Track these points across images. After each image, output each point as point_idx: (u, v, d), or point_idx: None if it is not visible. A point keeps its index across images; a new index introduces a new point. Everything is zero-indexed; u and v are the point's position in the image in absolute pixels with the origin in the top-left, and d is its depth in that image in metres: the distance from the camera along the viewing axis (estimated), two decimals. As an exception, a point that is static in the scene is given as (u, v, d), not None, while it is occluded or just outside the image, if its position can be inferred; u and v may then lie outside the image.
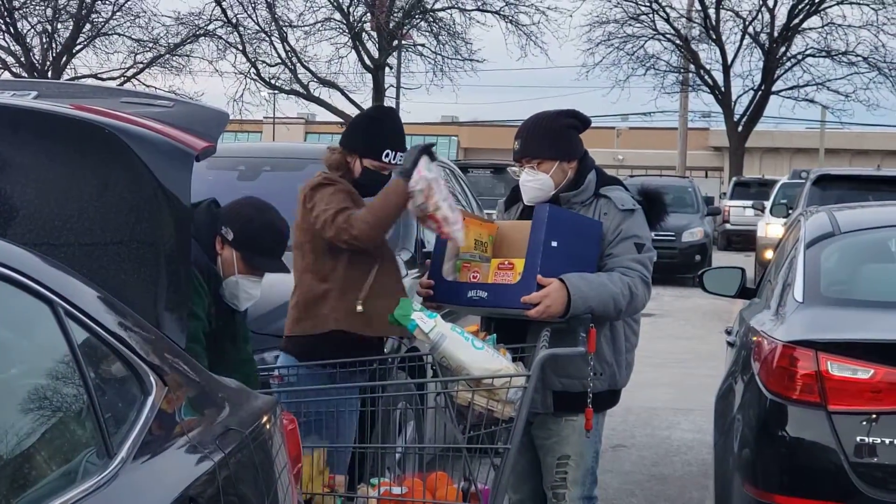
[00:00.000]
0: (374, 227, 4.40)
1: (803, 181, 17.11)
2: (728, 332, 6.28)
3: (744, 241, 28.10)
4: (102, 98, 3.39)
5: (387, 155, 4.59)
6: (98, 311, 2.58)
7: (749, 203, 27.15)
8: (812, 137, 51.10)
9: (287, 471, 3.20)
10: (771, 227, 19.47)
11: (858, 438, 4.12)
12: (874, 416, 4.13)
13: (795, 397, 4.24)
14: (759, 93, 37.08)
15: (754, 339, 4.74)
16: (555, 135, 4.42)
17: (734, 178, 33.62)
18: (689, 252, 20.54)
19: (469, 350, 3.95)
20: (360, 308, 4.48)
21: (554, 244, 4.15)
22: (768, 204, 21.55)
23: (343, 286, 4.50)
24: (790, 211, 17.08)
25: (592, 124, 4.64)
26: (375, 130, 4.66)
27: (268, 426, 3.12)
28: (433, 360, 4.05)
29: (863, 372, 4.14)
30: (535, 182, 4.40)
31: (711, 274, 6.64)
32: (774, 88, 37.35)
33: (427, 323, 3.95)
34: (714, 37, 37.31)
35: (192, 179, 3.22)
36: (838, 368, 4.17)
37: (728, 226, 30.50)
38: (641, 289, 4.30)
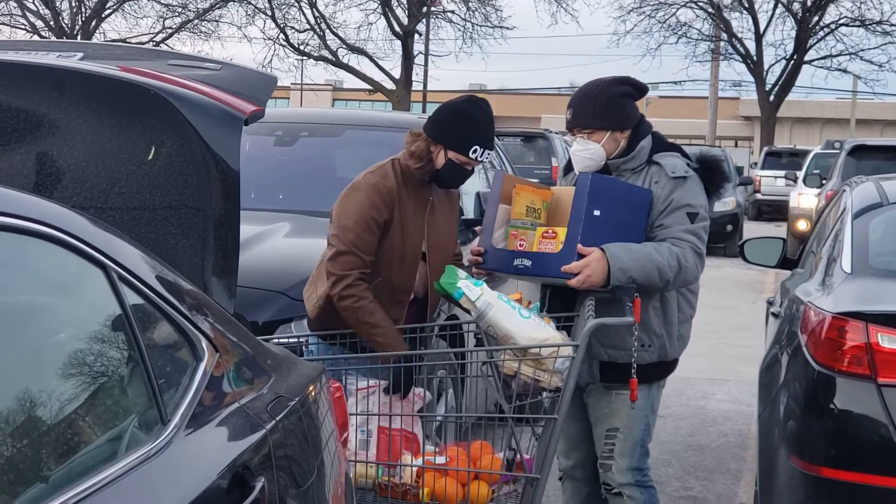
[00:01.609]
0: (354, 322, 4.26)
1: (837, 151, 16.98)
2: (770, 303, 6.21)
3: (774, 211, 27.95)
4: (149, 60, 3.33)
5: (475, 151, 4.37)
6: (149, 276, 2.54)
7: (781, 173, 26.96)
8: (843, 108, 50.68)
9: (334, 438, 3.16)
10: (804, 198, 19.31)
11: (908, 411, 4.05)
12: (924, 389, 4.05)
13: (844, 369, 4.17)
14: (792, 62, 36.82)
15: (801, 309, 4.67)
16: (606, 103, 4.35)
17: (765, 148, 33.41)
18: (721, 222, 20.35)
19: (516, 319, 3.90)
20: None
21: (597, 213, 4.10)
22: (800, 174, 21.39)
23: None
24: (823, 181, 16.95)
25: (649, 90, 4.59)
26: (466, 124, 4.42)
27: (315, 393, 3.08)
28: (478, 329, 4.01)
29: (913, 344, 4.07)
30: (587, 152, 4.35)
31: (752, 244, 6.55)
32: (807, 58, 37.10)
33: (474, 291, 3.90)
34: (746, 5, 37.05)
35: None
36: (888, 340, 4.10)
37: (759, 196, 30.30)
38: (693, 260, 4.22)
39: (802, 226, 18.32)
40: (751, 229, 22.88)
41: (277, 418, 2.71)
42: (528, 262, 4.21)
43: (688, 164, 4.38)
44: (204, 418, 2.49)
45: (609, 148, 4.35)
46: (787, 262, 6.31)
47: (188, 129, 3.01)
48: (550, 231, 4.22)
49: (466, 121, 4.43)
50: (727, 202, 20.51)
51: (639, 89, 4.45)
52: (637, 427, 4.39)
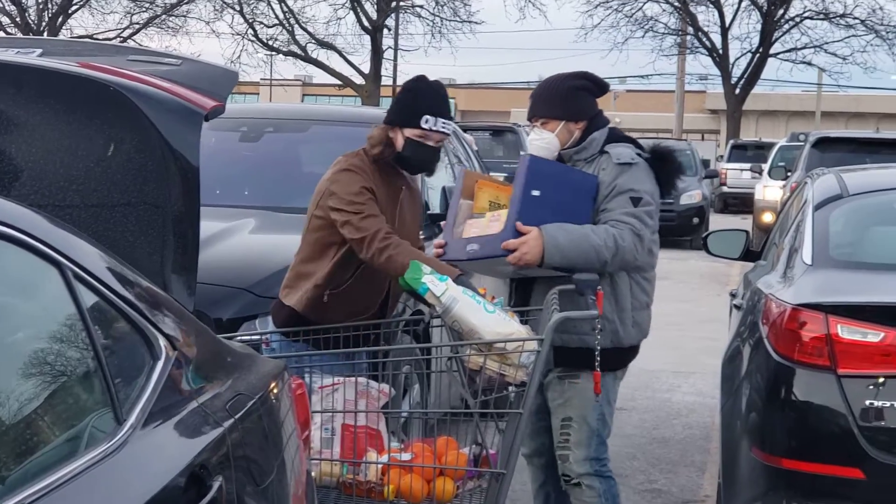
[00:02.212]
0: (402, 267, 4.15)
1: (802, 144, 17.06)
2: (733, 295, 6.24)
3: (740, 203, 28.06)
4: (109, 56, 3.31)
5: (426, 121, 4.38)
6: (106, 275, 2.52)
7: (747, 166, 27.09)
8: (808, 100, 50.95)
9: (296, 436, 3.16)
10: (769, 190, 19.39)
11: (867, 402, 4.08)
12: (883, 379, 4.09)
13: (804, 360, 4.20)
14: (757, 55, 37.03)
15: (762, 301, 4.70)
16: (561, 95, 4.55)
17: (731, 141, 33.59)
18: (687, 215, 20.51)
19: (481, 313, 3.90)
20: (325, 299, 4.38)
21: (535, 193, 4.26)
22: (766, 167, 21.49)
23: (324, 276, 4.40)
24: (788, 174, 17.03)
25: (610, 88, 4.74)
26: (413, 98, 4.48)
27: (276, 391, 3.08)
28: (444, 324, 4.01)
29: (873, 335, 4.11)
30: (541, 141, 4.53)
31: (715, 236, 6.59)
32: (772, 51, 37.31)
33: (438, 286, 3.90)
34: (712, -2, 37.15)
35: None
36: (848, 331, 4.13)
37: (725, 188, 30.47)
38: (630, 240, 4.31)
39: (768, 218, 18.37)
40: (717, 222, 22.99)
41: (236, 417, 2.70)
42: (476, 246, 4.35)
43: (638, 154, 4.48)
44: (161, 417, 2.48)
45: (563, 138, 4.52)
46: (750, 255, 6.34)
47: (147, 126, 2.99)
48: (497, 214, 4.36)
49: (413, 95, 4.51)
50: (693, 195, 20.61)
51: (598, 85, 4.64)
52: (591, 416, 4.45)
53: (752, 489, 4.41)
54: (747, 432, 4.50)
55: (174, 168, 3.02)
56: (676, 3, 37.08)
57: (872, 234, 5.05)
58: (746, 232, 6.50)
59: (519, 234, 4.21)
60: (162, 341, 2.60)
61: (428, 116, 4.39)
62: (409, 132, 4.41)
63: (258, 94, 52.76)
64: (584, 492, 4.44)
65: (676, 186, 4.63)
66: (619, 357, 4.50)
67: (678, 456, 6.95)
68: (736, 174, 29.57)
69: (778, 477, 4.26)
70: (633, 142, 4.61)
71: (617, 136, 4.57)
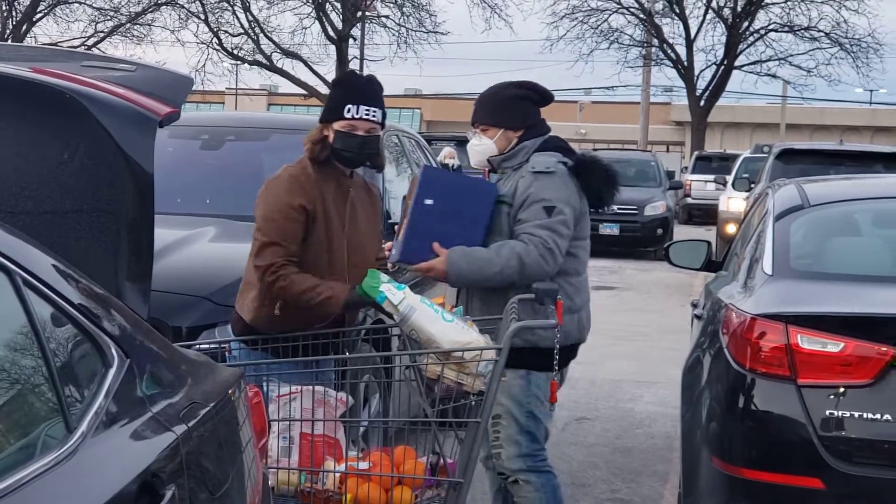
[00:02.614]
0: (295, 299, 4.24)
1: (766, 155, 17.15)
2: (694, 305, 6.25)
3: (705, 214, 28.18)
4: (63, 61, 3.27)
5: (349, 110, 4.37)
6: (57, 281, 2.49)
7: (711, 177, 27.19)
8: (773, 112, 51.26)
9: (252, 444, 3.13)
10: (733, 202, 19.41)
11: (827, 412, 4.09)
12: (843, 389, 4.10)
13: (764, 370, 4.20)
14: (722, 67, 37.20)
15: (723, 311, 4.70)
16: (501, 103, 4.66)
17: (696, 153, 33.71)
18: (651, 226, 20.56)
19: (439, 322, 3.89)
20: (277, 312, 4.32)
21: (428, 202, 4.43)
22: (730, 178, 21.57)
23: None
24: (752, 185, 17.10)
25: (555, 98, 4.83)
26: (337, 91, 4.57)
27: (232, 399, 3.05)
28: (402, 332, 3.99)
29: (832, 345, 4.11)
30: (480, 146, 4.66)
31: (677, 247, 6.59)
32: (737, 63, 37.50)
33: (396, 295, 3.88)
34: (677, 11, 37.38)
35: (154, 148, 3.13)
36: (808, 342, 4.14)
37: (689, 200, 30.58)
38: (535, 256, 4.39)
39: (732, 229, 18.41)
40: (681, 233, 23.05)
41: (190, 425, 2.67)
42: (394, 251, 4.56)
43: (563, 163, 4.53)
44: (113, 425, 2.45)
45: (501, 145, 4.64)
46: (711, 265, 6.35)
47: (100, 132, 2.96)
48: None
49: (337, 88, 4.63)
50: (657, 206, 20.66)
51: (541, 95, 4.73)
52: (518, 413, 4.51)
53: (713, 499, 4.41)
54: (707, 442, 4.50)
55: (127, 174, 2.99)
56: (641, 16, 37.23)
57: (833, 244, 5.07)
58: (708, 242, 6.51)
59: (414, 240, 4.41)
60: (114, 349, 2.57)
61: (350, 106, 4.38)
62: (336, 125, 4.41)
63: (223, 103, 52.59)
64: (521, 487, 4.54)
65: (611, 198, 4.62)
66: (541, 359, 4.44)
67: (640, 465, 6.95)
68: (700, 185, 29.68)
69: (738, 487, 4.26)
70: (569, 151, 4.66)
71: (551, 146, 4.63)
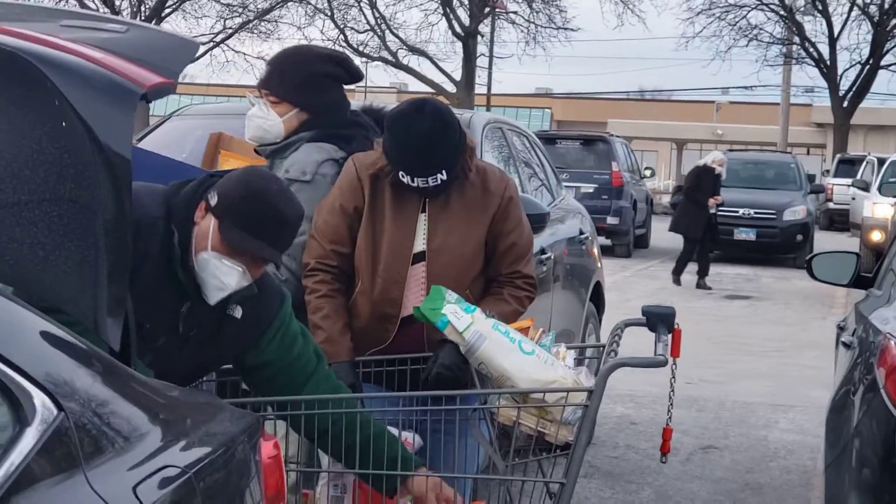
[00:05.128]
0: None
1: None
2: (841, 328, 5.36)
3: (847, 220, 27.01)
4: (38, 20, 2.60)
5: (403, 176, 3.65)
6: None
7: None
8: (921, 115, 49.23)
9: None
10: (878, 207, 18.37)
11: None
12: None
13: (932, 417, 3.38)
14: (867, 67, 35.75)
15: (878, 340, 3.88)
16: (308, 79, 3.88)
17: (838, 155, 32.44)
18: (791, 231, 19.45)
19: (515, 355, 3.08)
20: None
21: None
22: (875, 182, 20.42)
23: None
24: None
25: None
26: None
27: (231, 458, 2.32)
28: (470, 365, 3.22)
29: None
30: (264, 122, 3.89)
31: (821, 259, 5.70)
32: (883, 62, 36.02)
33: (462, 319, 3.09)
34: (820, 7, 36.07)
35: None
36: None
37: (831, 204, 29.40)
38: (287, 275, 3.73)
39: (877, 237, 17.44)
40: (822, 239, 21.93)
41: (145, 502, 1.95)
42: None
43: (335, 160, 3.82)
44: (27, 499, 1.77)
45: (287, 126, 3.89)
46: (860, 280, 5.47)
47: (62, 105, 2.26)
48: None
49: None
50: (797, 211, 19.58)
51: (352, 76, 3.99)
52: None
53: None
54: (858, 499, 3.69)
55: (99, 160, 2.27)
56: (782, 12, 35.96)
57: None
58: (857, 255, 5.64)
59: None
60: (39, 400, 1.87)
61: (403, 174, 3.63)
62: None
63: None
64: None
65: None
66: None
67: (774, 506, 6.09)
68: (843, 190, 28.44)
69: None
70: (348, 139, 3.87)
71: (326, 137, 3.85)
